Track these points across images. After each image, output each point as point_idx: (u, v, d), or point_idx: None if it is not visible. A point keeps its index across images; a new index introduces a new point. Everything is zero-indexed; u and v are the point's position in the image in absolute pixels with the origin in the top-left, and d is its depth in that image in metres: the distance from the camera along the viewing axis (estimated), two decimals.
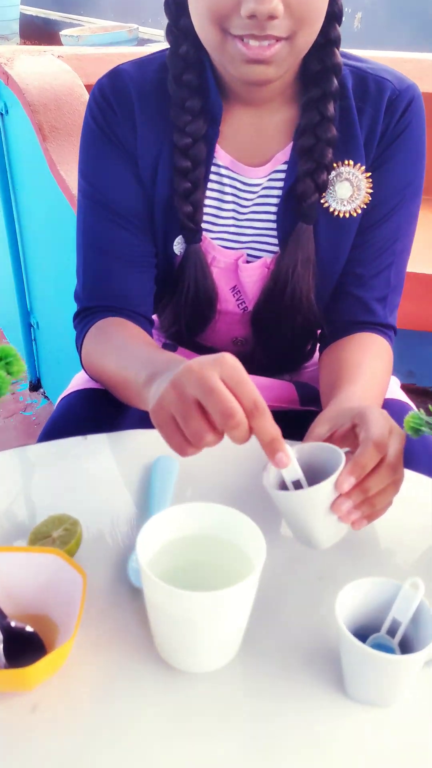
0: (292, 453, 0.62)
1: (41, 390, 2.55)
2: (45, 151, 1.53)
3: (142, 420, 0.97)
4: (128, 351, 0.80)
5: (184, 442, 0.61)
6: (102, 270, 0.90)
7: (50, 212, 1.74)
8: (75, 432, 0.85)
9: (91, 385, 0.97)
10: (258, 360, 1.02)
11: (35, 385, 2.54)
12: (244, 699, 0.58)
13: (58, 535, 0.68)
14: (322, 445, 0.66)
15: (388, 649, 0.56)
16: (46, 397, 2.53)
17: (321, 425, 0.70)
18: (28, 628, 0.59)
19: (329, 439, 0.68)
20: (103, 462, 0.82)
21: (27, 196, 1.92)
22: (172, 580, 0.54)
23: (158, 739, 0.54)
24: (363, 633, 0.59)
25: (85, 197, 0.90)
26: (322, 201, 0.87)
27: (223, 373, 0.58)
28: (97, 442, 0.84)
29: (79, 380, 1.02)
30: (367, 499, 0.62)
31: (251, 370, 1.05)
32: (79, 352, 0.92)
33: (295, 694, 0.57)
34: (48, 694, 0.57)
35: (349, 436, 0.67)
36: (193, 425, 0.59)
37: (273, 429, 0.59)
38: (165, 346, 1.08)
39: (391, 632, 0.58)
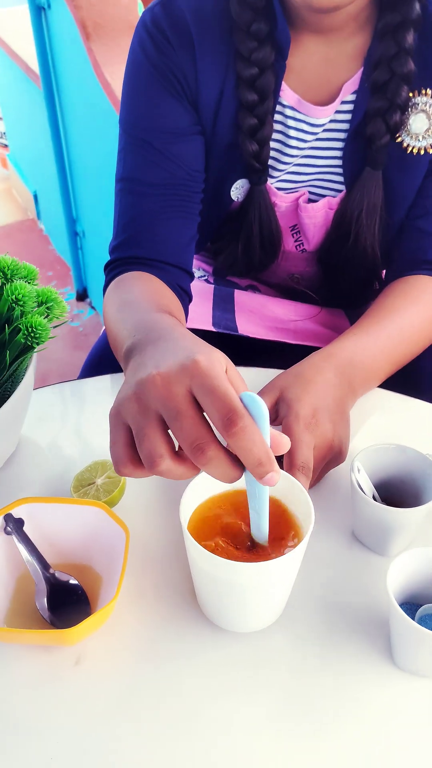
0: (364, 476, 0.62)
1: (88, 300, 2.52)
2: (89, 51, 1.43)
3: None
4: (131, 309, 0.69)
5: (130, 460, 0.48)
6: (138, 216, 0.80)
7: (94, 116, 1.65)
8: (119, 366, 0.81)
9: None
10: (321, 296, 0.98)
11: (81, 295, 2.51)
12: (288, 658, 0.57)
13: (101, 482, 0.66)
14: (404, 449, 0.64)
15: None
16: (92, 307, 2.51)
17: (270, 391, 0.69)
18: (72, 581, 0.59)
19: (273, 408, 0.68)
20: None
21: (71, 98, 1.83)
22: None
23: (199, 694, 0.54)
24: (415, 602, 0.57)
25: (129, 135, 0.80)
26: (396, 137, 0.79)
27: (193, 384, 0.45)
28: None
29: None
30: None
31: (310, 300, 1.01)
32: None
33: (340, 658, 0.56)
34: (91, 648, 0.57)
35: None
36: (147, 446, 0.46)
37: (258, 448, 0.44)
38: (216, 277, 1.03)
39: None
